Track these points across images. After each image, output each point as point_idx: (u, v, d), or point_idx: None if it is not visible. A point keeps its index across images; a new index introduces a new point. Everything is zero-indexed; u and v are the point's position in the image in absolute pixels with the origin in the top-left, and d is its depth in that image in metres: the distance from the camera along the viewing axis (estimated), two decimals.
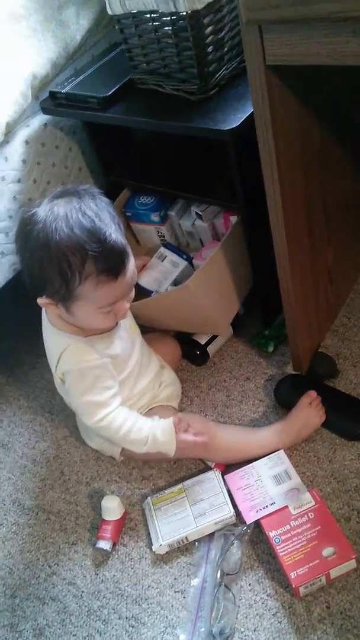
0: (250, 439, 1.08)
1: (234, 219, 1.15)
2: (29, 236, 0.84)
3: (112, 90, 1.04)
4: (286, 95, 0.80)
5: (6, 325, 1.48)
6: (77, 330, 0.96)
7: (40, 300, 0.91)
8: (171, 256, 1.26)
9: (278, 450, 1.05)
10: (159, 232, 1.34)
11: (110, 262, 0.84)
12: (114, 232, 0.84)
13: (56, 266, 0.83)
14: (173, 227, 1.34)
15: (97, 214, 0.83)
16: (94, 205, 0.84)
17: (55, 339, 0.98)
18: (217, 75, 0.96)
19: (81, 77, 1.11)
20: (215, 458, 1.08)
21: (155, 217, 1.31)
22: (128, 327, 1.06)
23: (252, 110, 0.83)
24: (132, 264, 0.89)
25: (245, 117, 0.89)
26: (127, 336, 1.05)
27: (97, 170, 1.34)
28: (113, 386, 1.00)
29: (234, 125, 0.88)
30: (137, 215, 1.33)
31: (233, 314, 1.23)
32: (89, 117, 1.08)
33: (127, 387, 1.07)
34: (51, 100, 1.13)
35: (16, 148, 1.15)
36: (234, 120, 0.89)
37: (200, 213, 1.22)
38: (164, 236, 1.35)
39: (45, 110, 1.14)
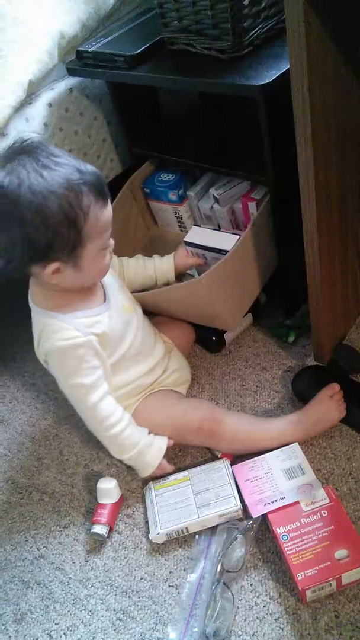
0: (261, 428, 1.00)
1: (252, 205, 1.08)
2: (15, 203, 0.77)
3: (141, 49, 0.99)
4: (324, 45, 0.73)
5: (17, 300, 1.43)
6: (59, 304, 0.90)
7: (47, 270, 0.83)
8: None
9: (290, 443, 0.97)
10: (176, 213, 1.28)
11: (97, 185, 0.82)
12: (82, 162, 0.83)
13: (61, 214, 0.78)
14: (192, 208, 1.27)
15: (61, 154, 0.81)
16: (52, 149, 0.82)
17: (37, 319, 0.92)
18: (252, 33, 0.89)
19: (110, 38, 1.06)
20: (222, 447, 1.00)
21: (173, 196, 1.25)
22: (121, 307, 0.99)
23: (287, 67, 0.77)
24: None
25: (279, 74, 0.83)
26: (118, 315, 0.98)
27: (121, 144, 1.29)
28: (100, 367, 0.94)
29: (266, 81, 0.82)
30: (155, 192, 1.27)
31: (246, 309, 1.15)
32: (115, 77, 1.03)
33: (122, 371, 1.00)
34: (78, 60, 1.08)
35: (39, 110, 1.11)
36: (267, 76, 0.83)
37: (218, 197, 1.16)
38: (181, 217, 1.29)
39: (70, 71, 1.10)
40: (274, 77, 0.82)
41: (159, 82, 1.01)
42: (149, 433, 1.00)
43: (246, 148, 1.07)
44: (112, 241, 0.90)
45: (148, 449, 0.97)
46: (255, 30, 0.90)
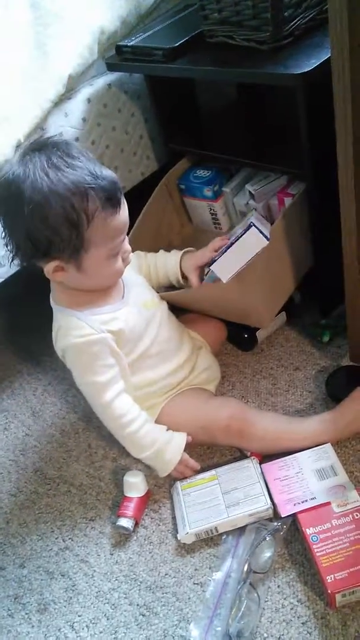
0: (292, 428, 0.97)
1: (288, 200, 1.06)
2: (20, 198, 0.78)
3: (179, 42, 0.99)
4: None
5: (49, 295, 1.45)
6: (75, 302, 0.91)
7: (48, 267, 0.84)
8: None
9: (323, 443, 0.94)
10: (211, 209, 1.27)
11: (108, 192, 0.81)
12: (99, 166, 0.82)
13: (61, 215, 0.78)
14: (227, 205, 1.26)
15: (78, 156, 0.81)
16: (71, 150, 0.81)
17: (54, 315, 0.93)
18: (293, 23, 0.88)
19: (149, 33, 1.07)
20: (252, 447, 0.98)
21: (208, 192, 1.24)
22: (141, 304, 0.98)
23: (328, 56, 0.75)
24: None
25: (319, 62, 0.81)
26: (137, 312, 0.97)
27: (158, 141, 1.29)
28: (115, 365, 0.93)
29: (306, 70, 0.81)
30: (190, 188, 1.26)
31: (280, 305, 1.13)
32: (154, 70, 1.04)
33: (144, 369, 0.99)
34: (117, 55, 1.09)
35: (77, 105, 1.13)
36: (306, 65, 0.82)
37: (254, 192, 1.14)
38: (216, 214, 1.27)
39: (110, 66, 1.11)
40: (314, 66, 0.81)
41: (197, 74, 1.01)
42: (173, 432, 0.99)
43: (284, 143, 1.06)
44: (126, 247, 0.90)
45: (166, 447, 0.96)
46: (296, 20, 0.89)
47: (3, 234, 0.84)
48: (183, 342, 1.06)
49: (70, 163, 0.79)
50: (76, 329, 0.90)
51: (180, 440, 0.98)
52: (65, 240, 0.81)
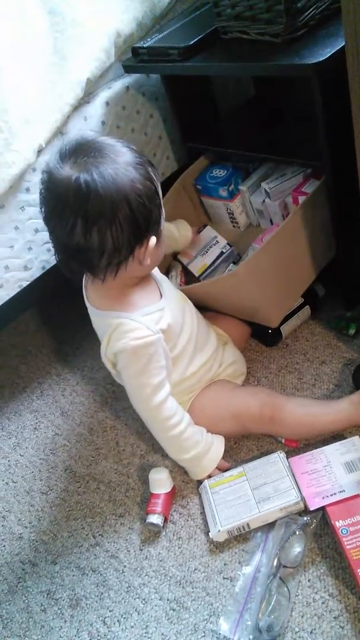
0: (323, 411, 0.97)
1: (302, 199, 1.06)
2: (94, 205, 0.77)
3: (194, 40, 0.99)
4: None
5: (77, 298, 1.47)
6: (123, 305, 0.91)
7: (149, 243, 0.85)
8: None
9: (355, 424, 0.94)
10: (227, 209, 1.27)
11: (157, 176, 0.84)
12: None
13: (148, 187, 0.81)
14: (244, 203, 1.26)
15: (115, 144, 0.83)
16: (107, 141, 0.83)
17: (104, 322, 0.92)
18: (306, 14, 0.88)
19: (165, 33, 1.08)
20: (284, 432, 0.98)
21: (223, 192, 1.24)
22: (174, 297, 0.99)
23: (342, 44, 0.75)
24: None
25: (333, 51, 0.80)
26: (175, 305, 0.98)
27: (177, 141, 1.30)
28: (165, 367, 0.93)
29: (320, 59, 0.80)
30: (206, 188, 1.26)
31: (290, 305, 1.12)
32: (170, 70, 1.05)
33: (181, 365, 0.99)
34: (134, 57, 1.10)
35: (96, 108, 1.14)
36: (321, 54, 0.81)
37: (269, 190, 1.14)
38: (232, 213, 1.27)
39: (127, 68, 1.12)
40: (328, 55, 0.80)
41: (212, 71, 1.01)
42: (207, 430, 0.99)
43: (302, 136, 1.05)
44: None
45: (206, 454, 0.96)
46: (310, 10, 0.88)
47: (66, 241, 0.82)
48: (210, 333, 1.07)
49: (118, 150, 0.81)
50: (132, 330, 0.88)
51: (219, 448, 0.98)
52: (157, 207, 0.84)
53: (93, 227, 0.78)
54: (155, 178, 0.83)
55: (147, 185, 0.81)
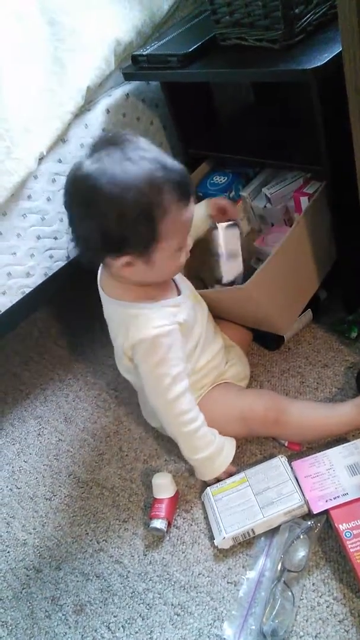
0: (326, 413, 0.97)
1: (304, 200, 1.06)
2: (96, 193, 0.78)
3: (193, 47, 1.00)
4: None
5: (83, 305, 1.48)
6: (144, 296, 0.91)
7: (118, 262, 0.84)
8: None
9: (358, 427, 0.94)
10: None
11: (182, 184, 0.80)
12: (170, 158, 0.82)
13: (137, 209, 0.78)
14: (246, 209, 1.26)
15: (149, 149, 0.81)
16: (141, 143, 0.81)
17: (122, 312, 0.92)
18: (304, 20, 0.89)
19: (164, 40, 1.09)
20: (288, 435, 0.98)
21: None
22: (189, 296, 1.00)
23: (340, 49, 0.75)
24: None
25: (331, 56, 0.81)
26: (190, 303, 0.98)
27: (178, 147, 1.31)
28: (183, 359, 0.93)
29: (318, 64, 0.81)
30: (208, 195, 1.25)
31: (298, 313, 1.12)
32: (170, 77, 1.06)
33: (192, 360, 1.00)
34: (133, 65, 1.11)
35: (97, 116, 1.15)
36: (319, 59, 0.82)
37: (269, 195, 1.15)
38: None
39: (126, 76, 1.13)
40: (326, 60, 0.81)
41: (211, 77, 1.01)
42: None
43: (302, 141, 1.06)
44: (190, 241, 0.90)
45: (218, 455, 0.96)
46: (307, 16, 0.89)
47: (70, 229, 0.85)
48: (216, 332, 1.09)
49: (144, 155, 0.79)
50: (151, 320, 0.88)
51: (230, 450, 0.98)
52: (140, 235, 0.81)
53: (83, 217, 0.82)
54: (163, 204, 0.79)
55: (139, 205, 0.78)
